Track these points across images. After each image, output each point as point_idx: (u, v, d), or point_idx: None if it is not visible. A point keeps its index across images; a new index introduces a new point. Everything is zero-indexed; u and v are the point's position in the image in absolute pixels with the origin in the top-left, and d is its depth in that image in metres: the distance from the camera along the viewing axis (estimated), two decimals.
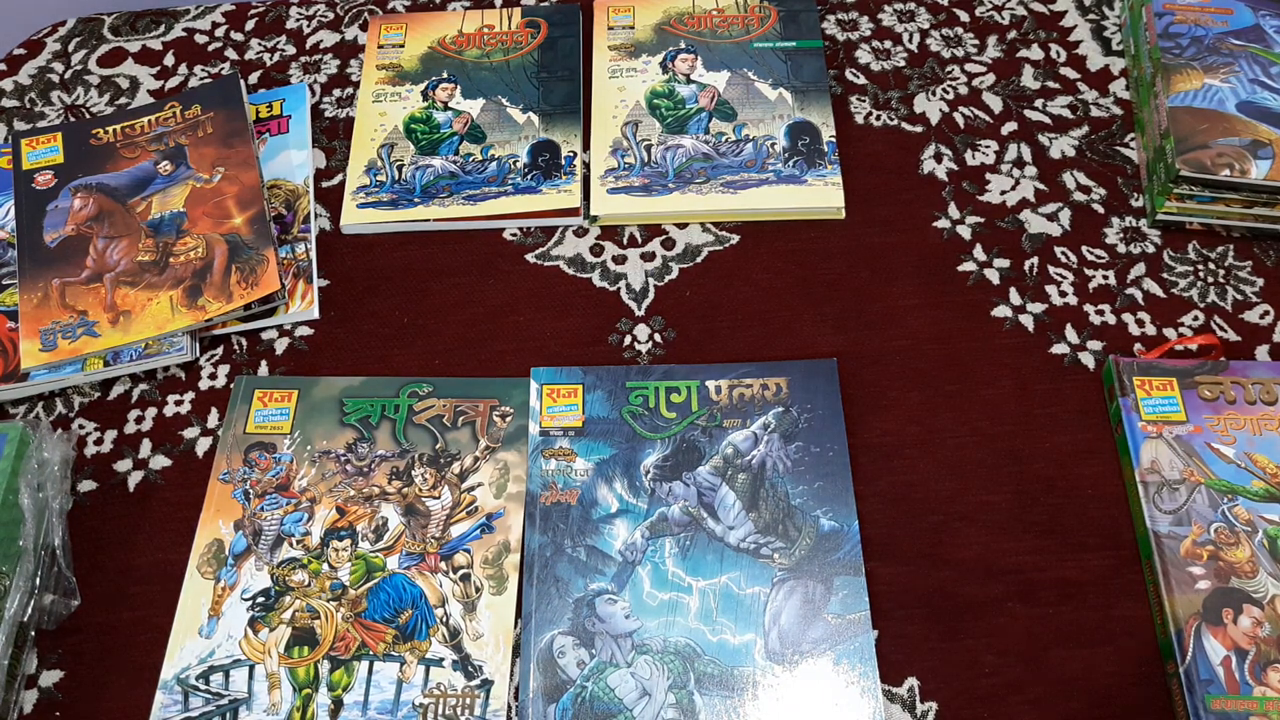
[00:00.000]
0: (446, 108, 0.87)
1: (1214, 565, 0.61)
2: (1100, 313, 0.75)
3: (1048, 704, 0.61)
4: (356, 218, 0.82)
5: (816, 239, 0.79)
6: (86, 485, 0.72)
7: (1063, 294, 0.76)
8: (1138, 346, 0.73)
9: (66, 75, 0.94)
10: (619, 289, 0.78)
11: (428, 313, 0.78)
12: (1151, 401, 0.68)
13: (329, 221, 0.83)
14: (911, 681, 0.62)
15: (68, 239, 0.79)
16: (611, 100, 0.86)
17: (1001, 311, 0.75)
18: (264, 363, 0.76)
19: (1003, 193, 0.81)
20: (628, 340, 0.76)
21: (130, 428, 0.74)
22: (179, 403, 0.75)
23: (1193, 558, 0.62)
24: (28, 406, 0.76)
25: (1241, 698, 0.57)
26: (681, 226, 0.81)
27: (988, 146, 0.83)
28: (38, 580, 0.66)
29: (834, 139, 0.82)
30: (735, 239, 0.80)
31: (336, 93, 0.91)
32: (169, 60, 0.95)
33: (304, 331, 0.78)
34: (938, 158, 0.83)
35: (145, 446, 0.73)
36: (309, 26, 0.96)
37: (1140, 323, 0.74)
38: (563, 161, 0.83)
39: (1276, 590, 0.60)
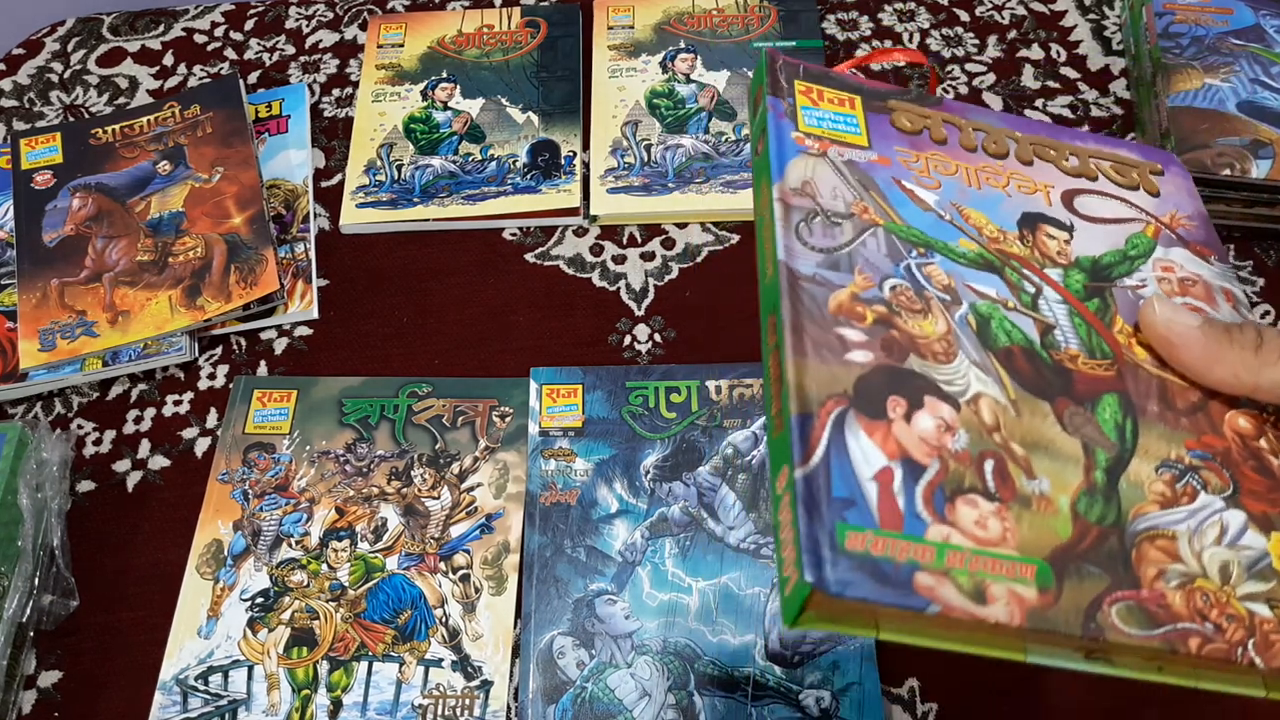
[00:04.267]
0: (446, 107, 0.87)
1: (883, 334, 0.38)
2: None
3: (1048, 704, 0.61)
4: (356, 217, 0.82)
5: None
6: (85, 485, 0.72)
7: None
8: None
9: (65, 75, 0.94)
10: (619, 289, 0.78)
11: (427, 313, 0.78)
12: (817, 112, 0.45)
13: (328, 221, 0.83)
14: (911, 682, 0.62)
15: (67, 239, 0.79)
16: (611, 100, 0.86)
17: None
18: (263, 363, 0.76)
19: None
20: (627, 340, 0.75)
21: (129, 428, 0.74)
22: (178, 403, 0.75)
23: (849, 316, 0.38)
24: (26, 406, 0.75)
25: (905, 538, 0.33)
26: (681, 226, 0.81)
27: None
28: (36, 580, 0.66)
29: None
30: (735, 239, 0.80)
31: (336, 92, 0.91)
32: (168, 60, 0.94)
33: (303, 331, 0.78)
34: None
35: (144, 447, 0.73)
36: (308, 26, 0.95)
37: None
38: (562, 161, 0.83)
39: (983, 388, 0.38)
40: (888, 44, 0.90)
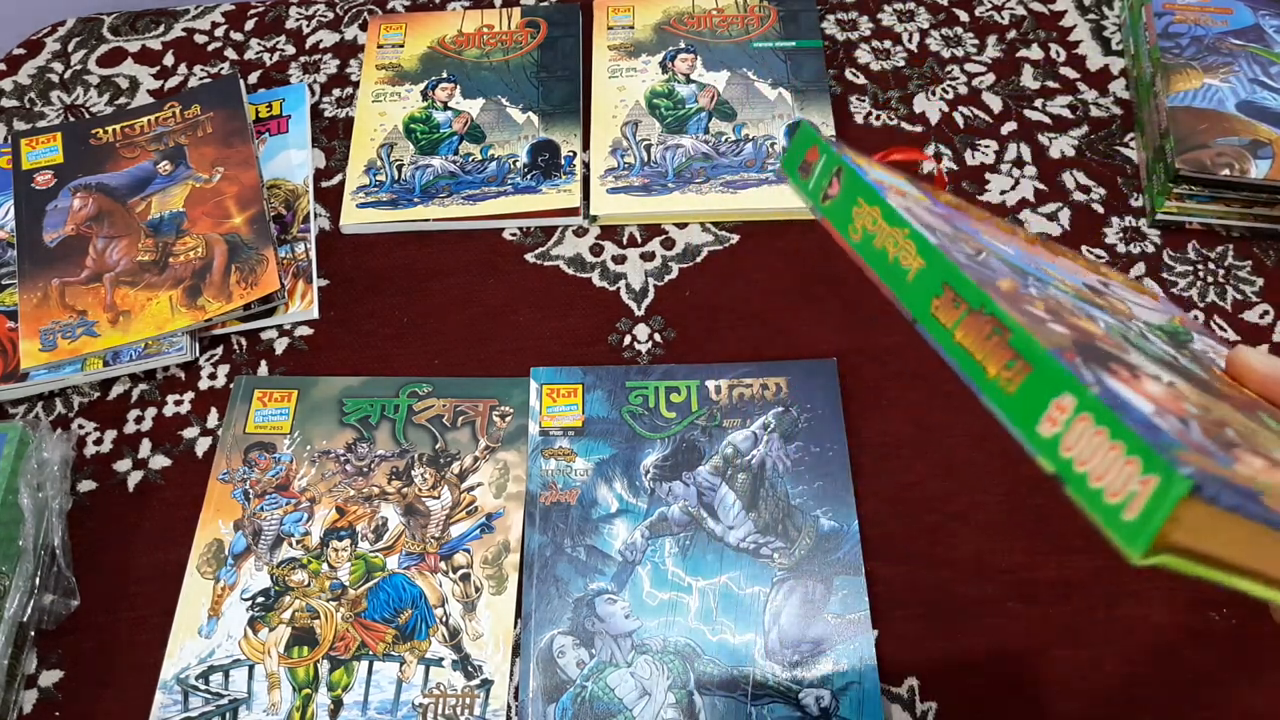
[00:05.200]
0: (446, 108, 0.87)
1: (1060, 320, 0.34)
2: None
3: (1048, 704, 0.61)
4: (356, 217, 0.82)
5: (816, 239, 0.79)
6: (86, 485, 0.72)
7: None
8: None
9: (66, 75, 0.94)
10: (619, 289, 0.78)
11: (428, 313, 0.78)
12: (875, 172, 0.42)
13: (329, 221, 0.83)
14: (911, 681, 0.62)
15: (67, 239, 0.79)
16: (611, 100, 0.86)
17: None
18: (264, 362, 0.76)
19: (1002, 192, 0.81)
20: (627, 340, 0.76)
21: (130, 428, 0.74)
22: (179, 403, 0.75)
23: (1022, 299, 0.33)
24: (27, 406, 0.76)
25: (1223, 466, 0.27)
26: (681, 226, 0.81)
27: (987, 146, 0.83)
28: (37, 580, 0.66)
29: (834, 139, 0.82)
30: (735, 239, 0.80)
31: (336, 93, 0.91)
32: (169, 60, 0.95)
33: (304, 331, 0.78)
34: (937, 158, 0.83)
35: (145, 446, 0.73)
36: (309, 26, 0.96)
37: None
38: (562, 161, 0.83)
39: (1175, 379, 0.34)
40: (887, 44, 0.90)
